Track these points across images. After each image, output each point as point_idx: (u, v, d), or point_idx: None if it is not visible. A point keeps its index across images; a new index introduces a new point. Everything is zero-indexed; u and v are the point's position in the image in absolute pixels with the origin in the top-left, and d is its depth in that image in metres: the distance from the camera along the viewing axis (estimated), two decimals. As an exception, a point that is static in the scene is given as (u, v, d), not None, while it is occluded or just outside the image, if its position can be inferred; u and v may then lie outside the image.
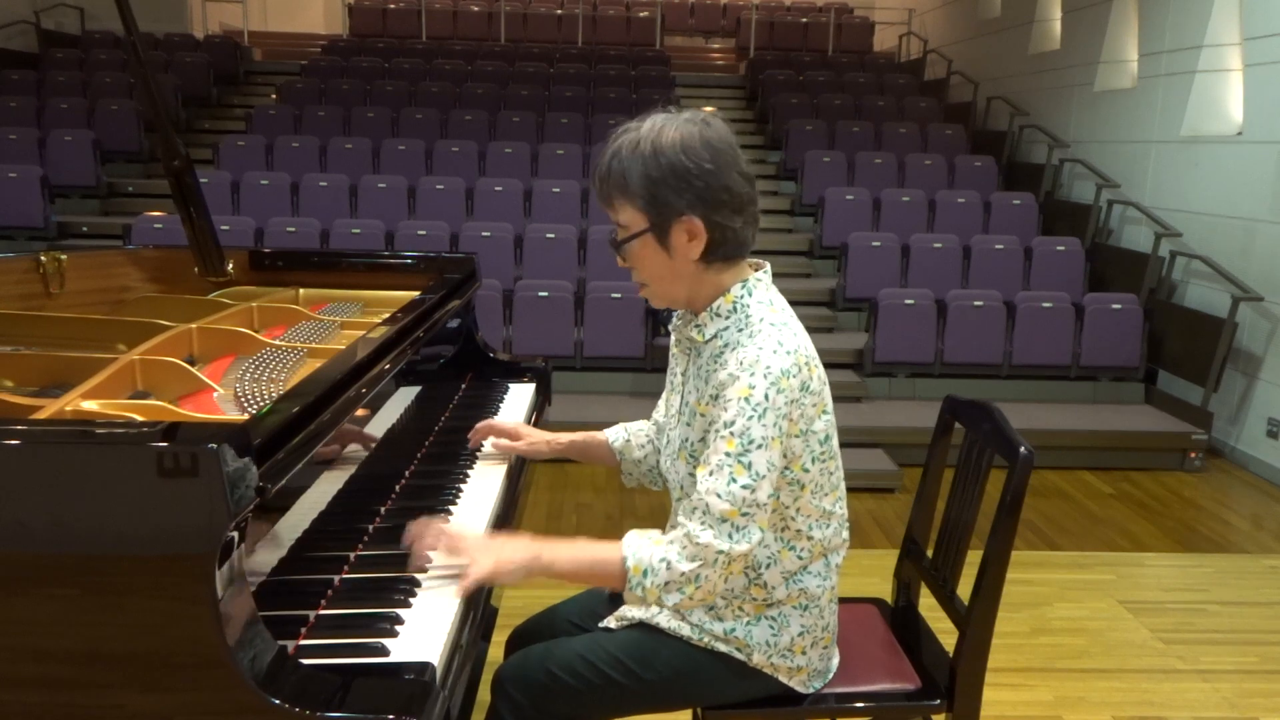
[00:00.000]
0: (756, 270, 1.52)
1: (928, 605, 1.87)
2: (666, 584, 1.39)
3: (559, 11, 12.21)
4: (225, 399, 1.61)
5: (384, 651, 1.19)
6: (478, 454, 1.92)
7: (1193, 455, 4.98)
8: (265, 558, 1.21)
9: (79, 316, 2.00)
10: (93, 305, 2.33)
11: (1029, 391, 5.51)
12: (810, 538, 1.52)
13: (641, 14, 12.44)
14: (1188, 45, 5.89)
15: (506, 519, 1.72)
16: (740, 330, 1.45)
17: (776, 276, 1.57)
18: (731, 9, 13.32)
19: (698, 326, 1.50)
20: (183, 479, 0.99)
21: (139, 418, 1.41)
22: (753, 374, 1.38)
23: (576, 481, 4.45)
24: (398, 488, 1.73)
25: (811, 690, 1.60)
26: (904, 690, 1.66)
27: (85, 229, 6.79)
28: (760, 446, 1.37)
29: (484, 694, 1.65)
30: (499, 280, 5.29)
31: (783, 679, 1.57)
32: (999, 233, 6.53)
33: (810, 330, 1.52)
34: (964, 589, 1.69)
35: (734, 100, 10.22)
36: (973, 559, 1.61)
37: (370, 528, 1.55)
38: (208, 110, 9.06)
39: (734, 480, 1.37)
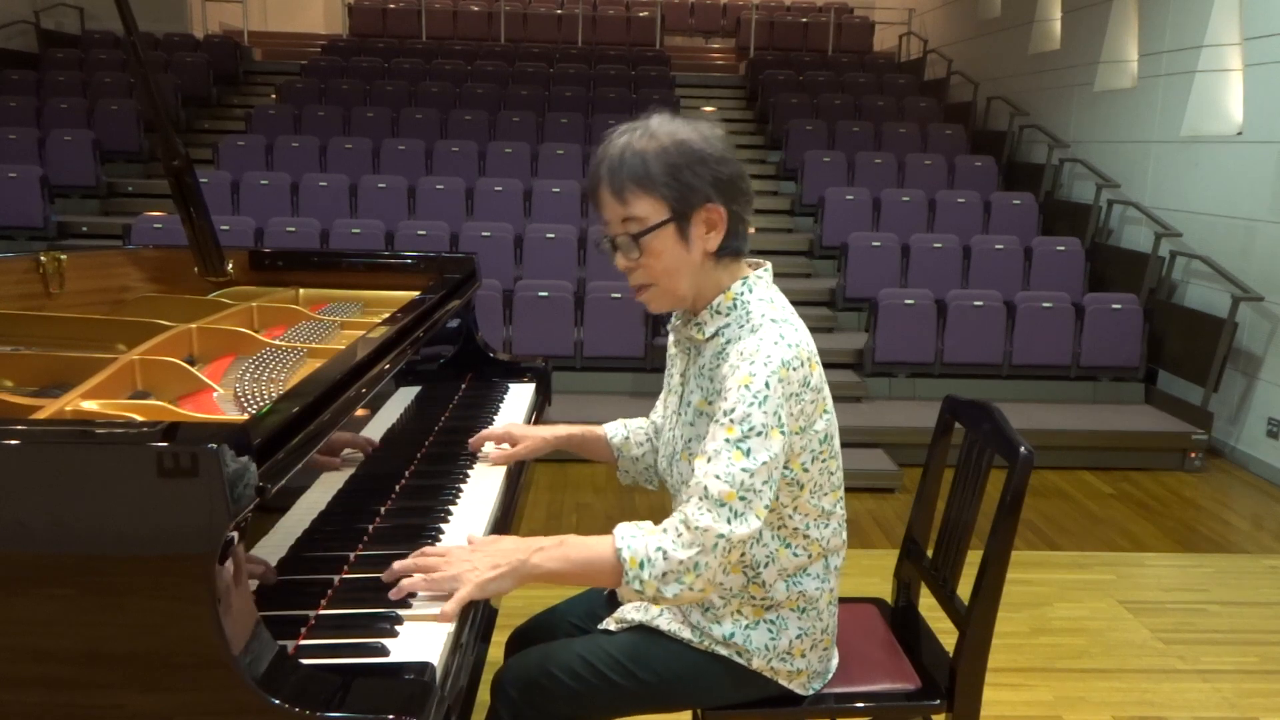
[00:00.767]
0: (756, 269, 1.52)
1: (928, 605, 1.87)
2: (665, 574, 1.35)
3: (559, 11, 12.21)
4: (225, 399, 1.61)
5: (384, 651, 1.19)
6: (477, 454, 1.92)
7: (1193, 455, 4.98)
8: (265, 557, 1.21)
9: (79, 316, 2.00)
10: (93, 305, 2.33)
11: (1029, 391, 5.51)
12: (808, 537, 1.52)
13: (641, 14, 12.44)
14: (1188, 45, 5.90)
15: (506, 519, 1.72)
16: (741, 326, 1.45)
17: (776, 276, 1.57)
18: (731, 9, 13.32)
19: (698, 325, 1.49)
20: (183, 479, 0.99)
21: (139, 418, 1.41)
22: (753, 363, 1.37)
23: (576, 481, 4.45)
24: (398, 488, 1.73)
25: (811, 692, 1.60)
26: (904, 690, 1.66)
27: (85, 229, 6.79)
28: (760, 434, 1.35)
29: (484, 694, 1.65)
30: (499, 280, 5.29)
31: (782, 682, 1.57)
32: (999, 233, 6.53)
33: (810, 330, 1.51)
34: (964, 589, 1.69)
35: (734, 100, 10.22)
36: (973, 559, 1.61)
37: (370, 528, 1.55)
38: (208, 110, 9.06)
39: (733, 463, 1.35)
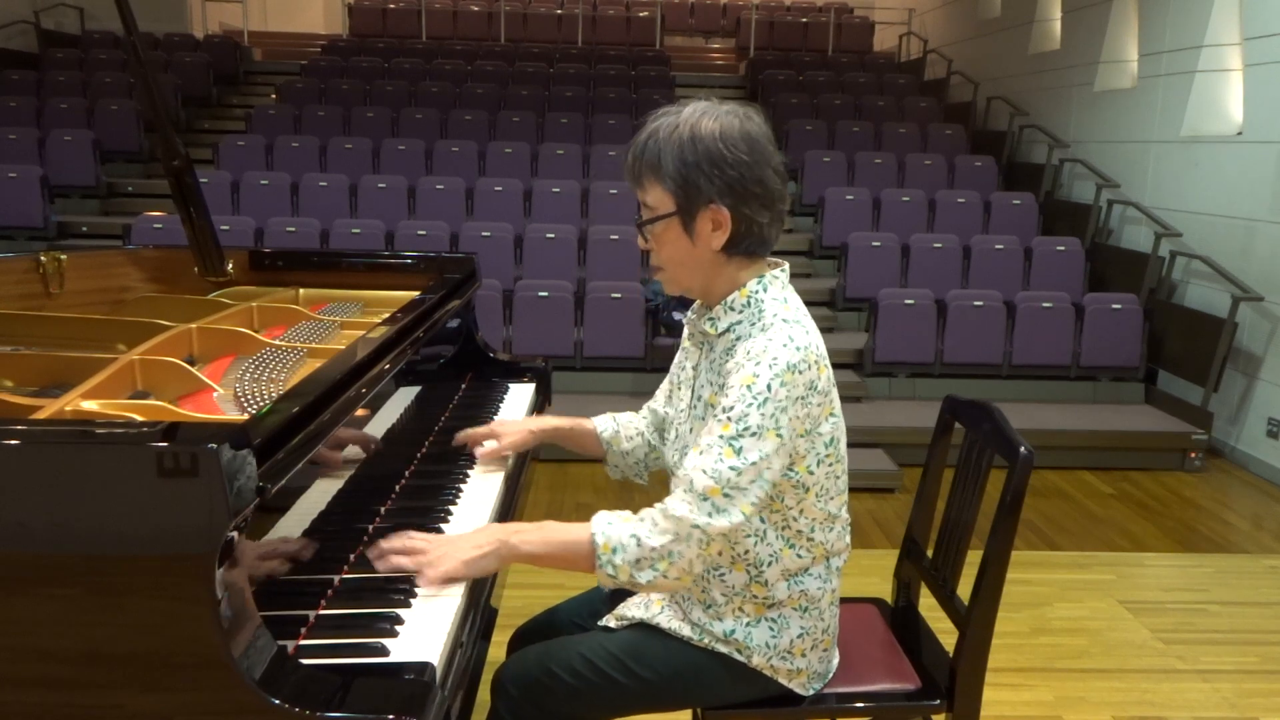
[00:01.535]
0: (775, 268, 1.52)
1: (928, 605, 1.87)
2: (638, 560, 1.37)
3: (559, 11, 12.21)
4: (225, 399, 1.61)
5: (384, 651, 1.19)
6: (475, 452, 1.91)
7: (1193, 455, 4.98)
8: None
9: (79, 316, 2.00)
10: (93, 305, 2.33)
11: (1029, 391, 5.51)
12: (811, 539, 1.51)
13: (641, 14, 12.44)
14: (1188, 45, 5.89)
15: (506, 519, 1.72)
16: (753, 324, 1.45)
17: (778, 276, 1.57)
18: (731, 9, 13.32)
19: (711, 319, 1.50)
20: (182, 479, 0.99)
21: (139, 418, 1.41)
22: (758, 364, 1.37)
23: (576, 482, 4.45)
24: (397, 488, 1.73)
25: (811, 692, 1.60)
26: (904, 690, 1.66)
27: (85, 229, 6.79)
28: (754, 435, 1.36)
29: (484, 694, 1.65)
30: (499, 280, 5.29)
31: (782, 681, 1.56)
32: (999, 233, 6.53)
33: (813, 330, 1.51)
34: (964, 589, 1.69)
35: (734, 100, 10.19)
36: (973, 559, 1.61)
37: (370, 528, 1.55)
38: (208, 110, 9.06)
39: (721, 460, 1.36)
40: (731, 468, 1.36)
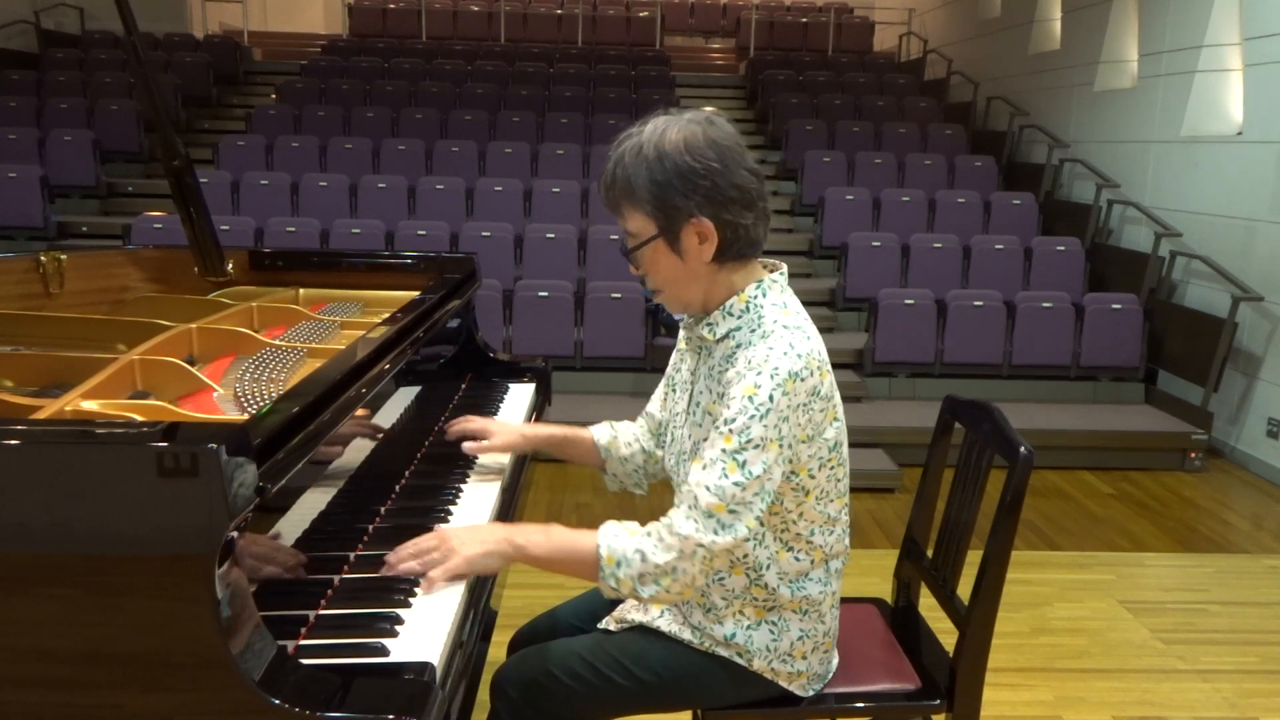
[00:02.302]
0: (772, 272, 1.50)
1: (928, 605, 1.87)
2: (641, 575, 1.37)
3: (559, 11, 12.21)
4: (225, 399, 1.61)
5: (384, 651, 1.19)
6: (477, 455, 1.91)
7: (1193, 455, 4.98)
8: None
9: (79, 316, 2.00)
10: (93, 305, 2.33)
11: (1029, 391, 5.51)
12: (811, 542, 1.51)
13: (641, 14, 12.44)
14: (1188, 45, 5.90)
15: (506, 519, 1.72)
16: (753, 331, 1.43)
17: (777, 277, 1.56)
18: (731, 9, 13.32)
19: (709, 325, 1.48)
20: (182, 479, 0.99)
21: (139, 418, 1.41)
22: (759, 373, 1.36)
23: (577, 482, 4.45)
24: (397, 488, 1.73)
25: (811, 693, 1.60)
26: (904, 690, 1.66)
27: (85, 229, 6.79)
28: (758, 447, 1.35)
29: (484, 695, 1.65)
30: (499, 280, 5.29)
31: (783, 683, 1.56)
32: (999, 233, 6.53)
33: (812, 331, 1.51)
34: (964, 589, 1.69)
35: (734, 100, 10.22)
36: (973, 559, 1.61)
37: (370, 528, 1.55)
38: (208, 110, 9.06)
39: (726, 476, 1.35)
40: (736, 483, 1.35)
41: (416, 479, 1.78)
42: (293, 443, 1.21)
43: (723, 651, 1.54)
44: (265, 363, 1.75)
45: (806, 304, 1.55)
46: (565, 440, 1.82)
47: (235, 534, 1.03)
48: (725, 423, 1.37)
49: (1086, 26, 7.27)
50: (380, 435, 1.67)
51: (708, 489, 1.36)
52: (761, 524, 1.45)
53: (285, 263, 2.53)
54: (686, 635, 1.55)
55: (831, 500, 1.51)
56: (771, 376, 1.35)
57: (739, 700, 1.58)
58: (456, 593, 1.35)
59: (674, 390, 1.63)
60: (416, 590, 1.35)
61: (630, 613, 1.61)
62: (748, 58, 11.16)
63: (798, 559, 1.51)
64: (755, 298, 1.46)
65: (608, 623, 1.62)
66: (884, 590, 2.05)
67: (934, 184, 7.24)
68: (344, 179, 6.57)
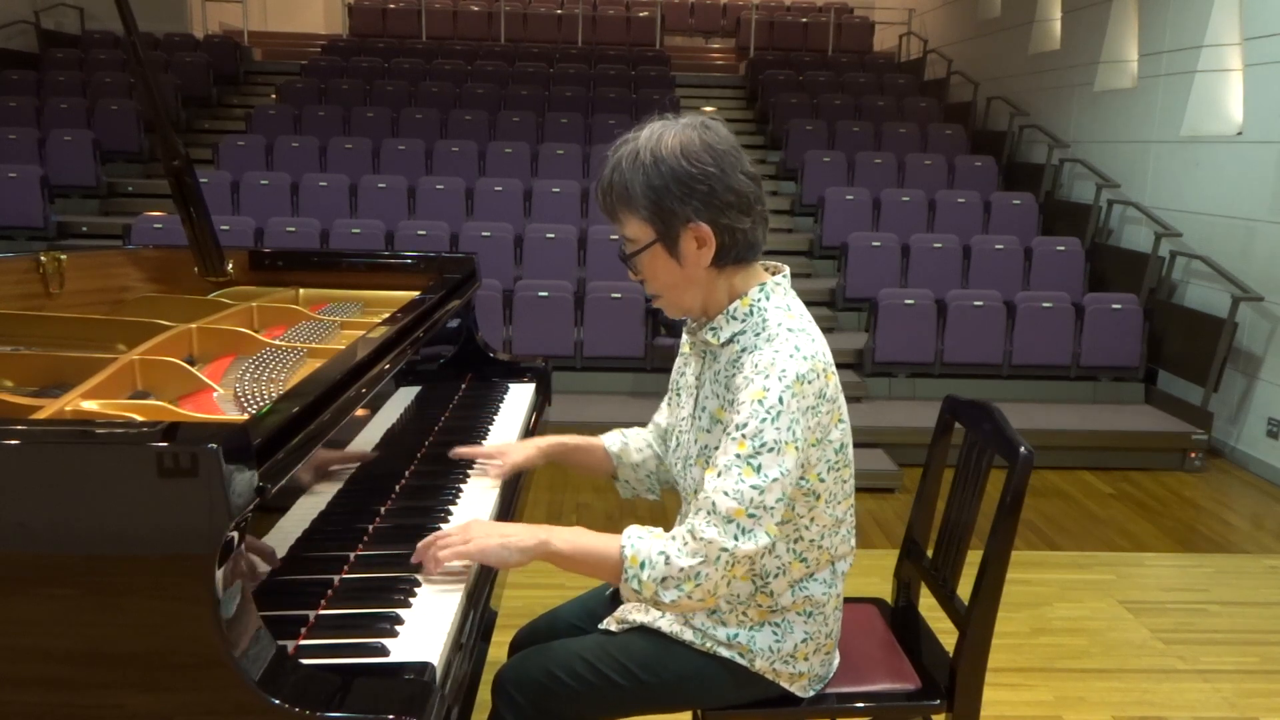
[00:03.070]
0: (775, 274, 1.50)
1: (928, 605, 1.87)
2: (664, 579, 1.35)
3: (559, 11, 12.21)
4: (225, 399, 1.61)
5: (384, 651, 1.19)
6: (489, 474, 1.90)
7: (1193, 455, 4.98)
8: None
9: (79, 316, 2.00)
10: (93, 305, 2.33)
11: (1029, 391, 5.51)
12: (820, 547, 1.51)
13: (641, 14, 12.44)
14: (1188, 45, 5.90)
15: (506, 519, 1.72)
16: (757, 335, 1.43)
17: (779, 277, 1.56)
18: (731, 9, 13.32)
19: (713, 329, 1.47)
20: (182, 479, 0.99)
21: (139, 418, 1.41)
22: (767, 376, 1.35)
23: (577, 482, 4.45)
24: (397, 488, 1.73)
25: (812, 693, 1.60)
26: (904, 690, 1.66)
27: (85, 229, 6.79)
28: (771, 450, 1.34)
29: (484, 694, 1.65)
30: (499, 280, 5.29)
31: (784, 684, 1.56)
32: (999, 233, 6.53)
33: (811, 331, 1.50)
34: (964, 589, 1.69)
35: (734, 100, 10.22)
36: (973, 559, 1.61)
37: (370, 528, 1.55)
38: (208, 110, 9.06)
39: (742, 480, 1.34)
40: (753, 486, 1.34)
41: (417, 479, 1.78)
42: (293, 443, 1.21)
43: (724, 652, 1.54)
44: (265, 363, 1.75)
45: (807, 304, 1.55)
46: (579, 449, 1.81)
47: (235, 534, 1.03)
48: (737, 428, 1.36)
49: (1086, 26, 7.27)
50: (374, 444, 1.67)
51: (726, 494, 1.35)
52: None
53: (285, 263, 2.53)
54: (688, 636, 1.54)
55: (839, 502, 1.51)
56: (779, 379, 1.35)
57: (740, 701, 1.58)
58: (456, 593, 1.35)
59: (678, 395, 1.63)
60: (417, 590, 1.35)
61: (631, 613, 1.61)
62: (748, 58, 11.16)
63: (806, 564, 1.51)
64: (758, 301, 1.45)
65: (609, 623, 1.62)
66: (884, 590, 2.05)
67: (934, 184, 7.24)
68: (344, 179, 6.57)
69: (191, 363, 1.78)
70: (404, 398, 1.86)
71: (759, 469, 1.34)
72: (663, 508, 3.97)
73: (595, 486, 4.40)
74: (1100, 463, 4.96)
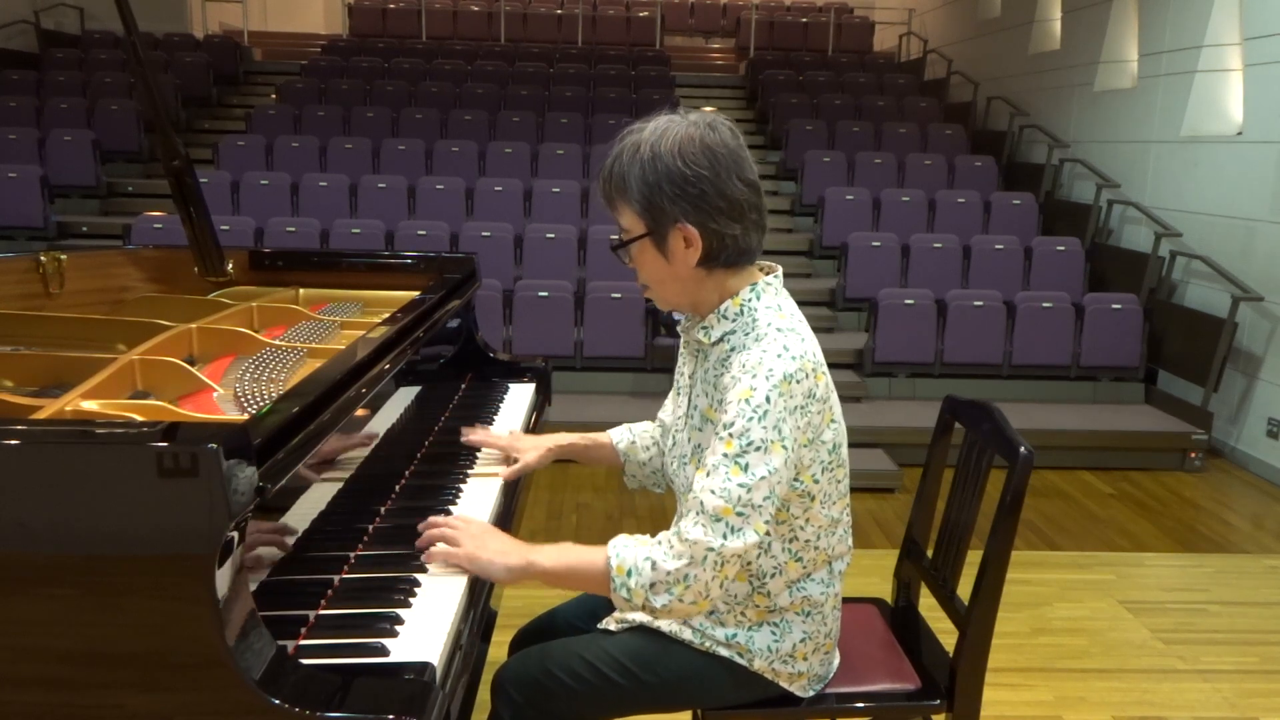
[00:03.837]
0: (768, 274, 1.50)
1: (928, 605, 1.87)
2: (653, 584, 1.35)
3: (559, 11, 12.21)
4: (225, 399, 1.61)
5: (384, 651, 1.19)
6: (477, 454, 1.92)
7: (1193, 455, 4.98)
8: (265, 557, 1.21)
9: (79, 316, 2.00)
10: (93, 305, 2.33)
11: (1029, 391, 5.51)
12: (817, 548, 1.51)
13: (641, 14, 12.44)
14: (1188, 45, 5.90)
15: (506, 519, 1.72)
16: (746, 334, 1.43)
17: (778, 277, 1.56)
18: (731, 9, 13.32)
19: (704, 328, 1.48)
20: (182, 479, 0.99)
21: (139, 418, 1.41)
22: (754, 376, 1.35)
23: (576, 482, 4.45)
24: (397, 488, 1.73)
25: (812, 693, 1.60)
26: (904, 690, 1.66)
27: (85, 229, 6.79)
28: (759, 449, 1.34)
29: (484, 694, 1.65)
30: (499, 280, 5.29)
31: (783, 684, 1.56)
32: (999, 233, 6.53)
33: (812, 331, 1.50)
34: (964, 589, 1.69)
35: (734, 100, 10.22)
36: (973, 559, 1.61)
37: (370, 528, 1.55)
38: (208, 110, 9.06)
39: (729, 479, 1.34)
40: (741, 484, 1.34)
41: (417, 479, 1.78)
42: (293, 443, 1.21)
43: (723, 652, 1.54)
44: (265, 363, 1.75)
45: (806, 304, 1.56)
46: (589, 447, 1.85)
47: (235, 534, 1.03)
48: (724, 427, 1.36)
49: (1086, 26, 7.27)
50: (374, 444, 1.67)
51: (712, 493, 1.35)
52: (769, 532, 1.44)
53: (285, 263, 2.53)
54: (687, 635, 1.55)
55: (834, 502, 1.51)
56: (767, 378, 1.35)
57: (739, 700, 1.58)
58: (457, 593, 1.35)
59: (678, 394, 1.64)
60: (417, 590, 1.35)
61: (631, 614, 1.61)
62: (748, 58, 11.16)
63: (802, 564, 1.51)
64: (749, 300, 1.45)
65: (608, 622, 1.62)
66: (884, 590, 2.04)
67: (934, 184, 7.24)
68: (344, 179, 6.57)
69: (191, 363, 1.78)
70: (404, 398, 1.86)
71: (746, 468, 1.34)
72: (663, 504, 3.98)
73: (595, 486, 4.41)
74: (1100, 463, 4.96)
